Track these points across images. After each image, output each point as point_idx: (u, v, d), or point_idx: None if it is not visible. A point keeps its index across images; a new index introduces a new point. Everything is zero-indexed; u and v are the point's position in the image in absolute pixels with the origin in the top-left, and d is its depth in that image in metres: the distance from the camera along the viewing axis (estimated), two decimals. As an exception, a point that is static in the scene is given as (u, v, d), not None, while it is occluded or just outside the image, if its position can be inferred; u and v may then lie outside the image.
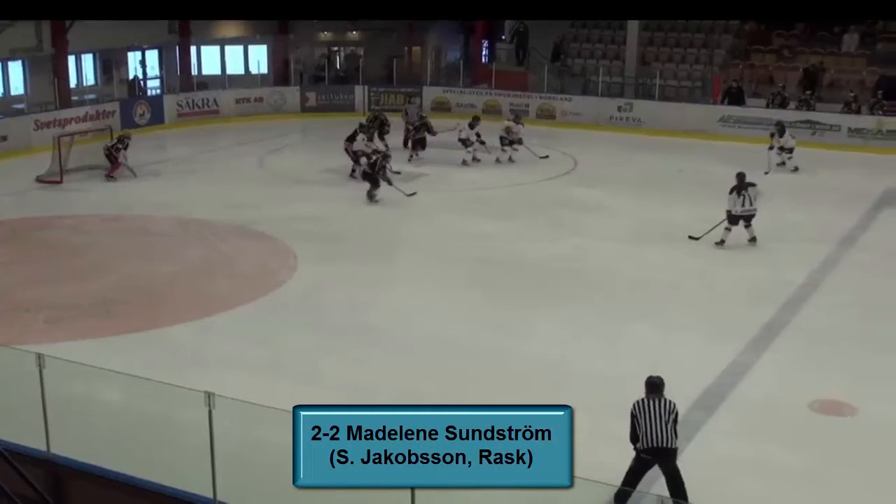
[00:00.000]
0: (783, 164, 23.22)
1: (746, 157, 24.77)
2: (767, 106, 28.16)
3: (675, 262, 16.26)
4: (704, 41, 32.46)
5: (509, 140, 24.12)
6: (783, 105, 27.87)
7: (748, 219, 16.69)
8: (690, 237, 16.97)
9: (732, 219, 16.62)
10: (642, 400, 8.67)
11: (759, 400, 11.12)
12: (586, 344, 12.79)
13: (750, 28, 32.43)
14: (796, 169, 23.02)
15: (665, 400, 8.61)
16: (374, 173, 20.01)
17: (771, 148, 23.36)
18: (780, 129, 23.72)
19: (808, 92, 28.25)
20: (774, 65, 30.90)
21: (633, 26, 31.86)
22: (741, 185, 16.47)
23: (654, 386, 8.73)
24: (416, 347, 12.57)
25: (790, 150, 23.33)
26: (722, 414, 10.79)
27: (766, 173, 22.20)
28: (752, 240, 16.75)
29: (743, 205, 16.47)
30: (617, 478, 7.99)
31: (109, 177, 21.87)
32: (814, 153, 24.82)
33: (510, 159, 24.00)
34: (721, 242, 16.65)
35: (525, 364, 12.07)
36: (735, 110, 28.21)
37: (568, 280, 15.36)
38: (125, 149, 22.10)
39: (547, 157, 24.31)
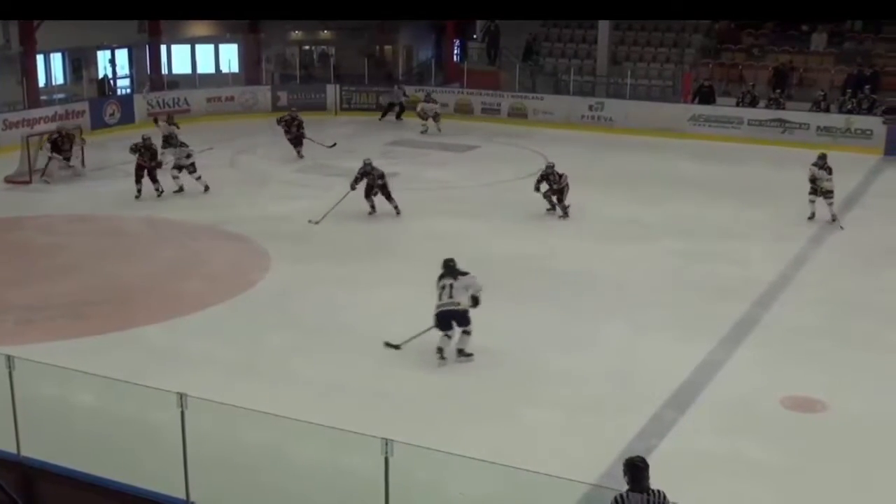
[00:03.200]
0: (813, 216, 18.75)
1: (716, 155, 25.09)
2: (738, 104, 28.34)
3: (646, 261, 16.32)
4: (675, 40, 32.61)
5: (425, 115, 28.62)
6: (753, 104, 28.05)
7: (453, 317, 12.05)
8: (387, 344, 12.33)
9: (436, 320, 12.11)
10: (624, 496, 6.73)
11: (731, 397, 11.18)
12: (558, 342, 12.79)
13: (720, 27, 32.61)
14: (835, 218, 18.58)
15: (655, 493, 6.74)
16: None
17: (815, 196, 18.66)
18: (825, 164, 18.63)
19: (777, 90, 28.46)
20: (744, 63, 31.09)
21: (604, 25, 31.96)
22: (447, 273, 12.24)
23: (638, 471, 6.80)
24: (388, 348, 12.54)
25: (832, 194, 18.64)
26: (695, 412, 10.83)
27: (842, 228, 18.35)
28: (463, 354, 12.09)
29: (441, 298, 12.00)
30: (588, 474, 8.01)
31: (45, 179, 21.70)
32: (783, 151, 25.08)
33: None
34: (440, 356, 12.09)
35: (496, 363, 12.08)
36: (705, 109, 28.34)
37: (539, 278, 15.38)
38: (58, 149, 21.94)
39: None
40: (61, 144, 21.78)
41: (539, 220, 18.82)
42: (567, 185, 19.01)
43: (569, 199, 18.91)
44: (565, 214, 18.94)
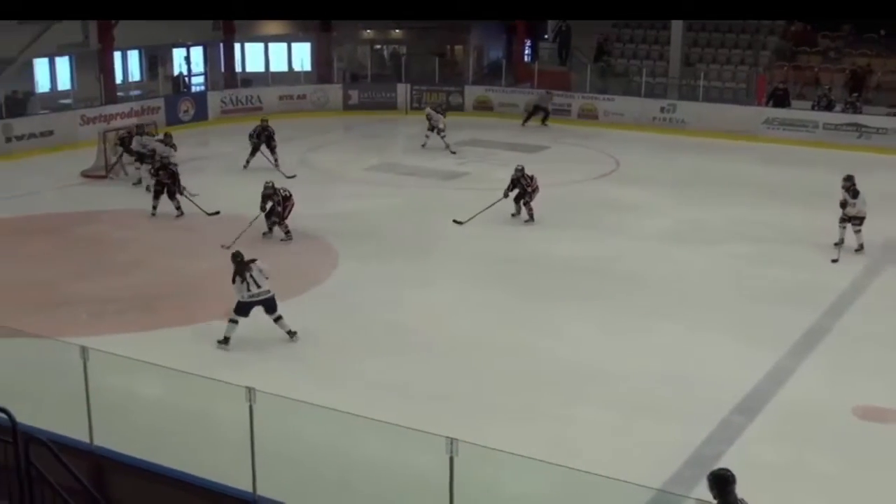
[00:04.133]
0: (841, 242, 16.82)
1: (789, 159, 24.69)
2: (813, 108, 27.87)
3: (715, 265, 16.15)
4: (749, 42, 32.18)
5: (430, 126, 25.48)
6: (829, 107, 27.58)
7: (268, 306, 12.65)
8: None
9: (240, 308, 12.56)
10: None
11: (800, 405, 11.00)
12: (621, 345, 12.74)
13: (796, 29, 32.10)
14: (861, 248, 16.79)
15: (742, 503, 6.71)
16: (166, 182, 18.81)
17: (844, 221, 16.85)
18: (852, 186, 16.97)
19: (854, 94, 27.92)
20: (820, 66, 30.56)
21: (677, 26, 31.63)
22: (241, 267, 12.57)
23: (726, 484, 6.67)
24: (449, 347, 12.59)
25: (860, 221, 16.81)
26: (763, 419, 10.69)
27: (835, 260, 16.34)
28: (290, 333, 12.75)
29: (249, 289, 12.47)
30: (645, 477, 7.90)
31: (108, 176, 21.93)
32: (860, 157, 24.55)
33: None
34: (223, 341, 12.50)
35: (559, 364, 12.06)
36: (780, 112, 27.92)
37: (604, 280, 15.29)
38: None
39: (455, 152, 24.92)
40: (129, 144, 22.00)
41: (605, 221, 18.69)
42: (537, 187, 18.56)
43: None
44: (531, 219, 18.50)
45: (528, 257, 16.49)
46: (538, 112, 29.70)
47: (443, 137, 25.36)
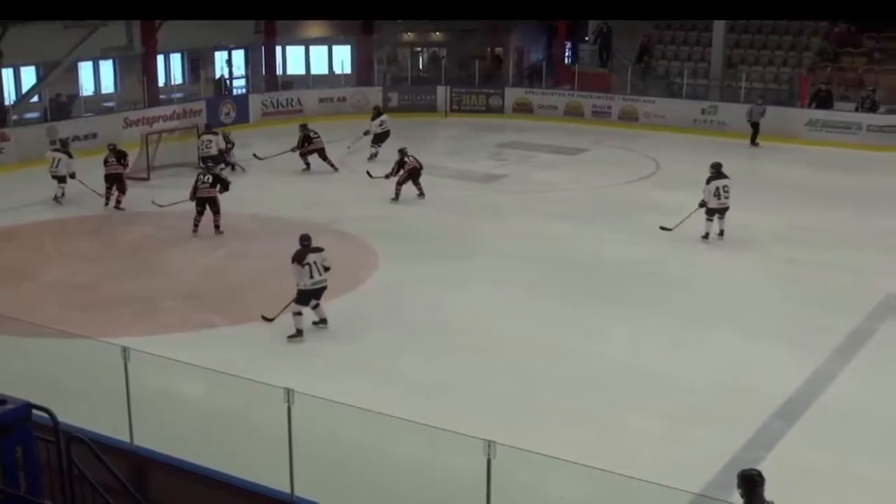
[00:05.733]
0: (719, 234, 17.36)
1: (833, 162, 24.42)
2: (857, 110, 27.53)
3: (757, 267, 16.03)
4: (792, 43, 31.85)
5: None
6: (873, 109, 27.23)
7: (319, 295, 13.02)
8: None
9: (302, 297, 12.87)
10: None
11: (843, 410, 10.88)
12: (664, 348, 12.66)
13: (839, 30, 31.73)
14: (706, 237, 17.36)
15: None
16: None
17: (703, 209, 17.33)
18: (711, 173, 17.58)
19: (899, 95, 27.57)
20: (865, 67, 30.19)
21: (719, 28, 31.34)
22: (306, 251, 12.86)
23: (754, 485, 6.72)
24: (492, 348, 12.59)
25: (710, 212, 17.30)
26: (804, 423, 10.59)
27: (665, 228, 17.50)
28: (322, 321, 13.10)
29: (311, 276, 12.81)
30: (683, 482, 7.85)
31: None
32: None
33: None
34: (295, 334, 12.80)
35: (601, 367, 12.02)
36: (823, 114, 27.57)
37: (646, 283, 15.21)
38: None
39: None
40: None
41: (646, 224, 18.55)
42: (414, 166, 20.03)
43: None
44: (395, 197, 19.92)
45: (569, 259, 16.44)
46: (755, 128, 26.96)
47: (356, 142, 24.57)
